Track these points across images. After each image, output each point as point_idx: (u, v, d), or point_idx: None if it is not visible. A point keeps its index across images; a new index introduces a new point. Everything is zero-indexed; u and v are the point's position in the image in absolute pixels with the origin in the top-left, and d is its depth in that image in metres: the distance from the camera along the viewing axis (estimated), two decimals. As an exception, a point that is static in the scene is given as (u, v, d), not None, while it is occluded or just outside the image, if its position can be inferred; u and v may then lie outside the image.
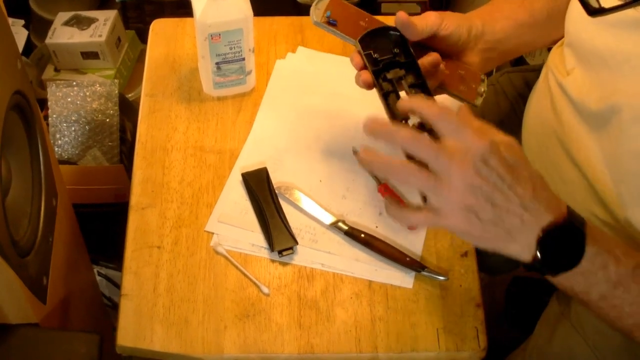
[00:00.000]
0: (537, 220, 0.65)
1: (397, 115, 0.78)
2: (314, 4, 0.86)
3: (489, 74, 1.18)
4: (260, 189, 0.93)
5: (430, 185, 0.65)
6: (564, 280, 0.68)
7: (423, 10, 1.82)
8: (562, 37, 0.93)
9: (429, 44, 0.86)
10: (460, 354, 0.83)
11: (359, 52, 0.83)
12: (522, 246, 0.66)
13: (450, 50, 0.87)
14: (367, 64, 0.82)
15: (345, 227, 0.90)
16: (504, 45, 0.91)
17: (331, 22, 0.86)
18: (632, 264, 0.68)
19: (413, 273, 0.88)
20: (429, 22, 0.84)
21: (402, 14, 0.81)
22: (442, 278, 0.87)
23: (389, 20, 0.86)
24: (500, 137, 0.65)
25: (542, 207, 0.65)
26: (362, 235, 0.89)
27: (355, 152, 0.97)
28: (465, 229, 0.66)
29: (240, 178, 0.95)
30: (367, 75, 0.82)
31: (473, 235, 0.66)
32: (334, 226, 0.91)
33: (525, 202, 0.64)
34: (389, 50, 0.83)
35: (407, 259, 0.87)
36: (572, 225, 0.66)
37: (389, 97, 0.80)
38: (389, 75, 0.82)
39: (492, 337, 0.85)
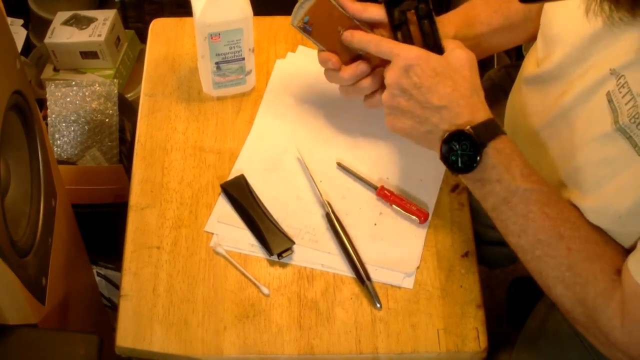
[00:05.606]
0: (445, 123, 0.77)
1: None
2: (298, 3, 0.86)
3: (488, 70, 1.19)
4: (243, 197, 0.92)
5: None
6: (467, 183, 0.80)
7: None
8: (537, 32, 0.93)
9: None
10: (461, 355, 0.83)
11: None
12: (436, 145, 0.79)
13: None
14: None
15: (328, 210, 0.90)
16: (475, 50, 0.91)
17: (306, 29, 0.87)
18: (525, 185, 0.75)
19: (413, 274, 0.87)
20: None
21: None
22: (378, 306, 0.85)
23: None
24: (433, 55, 0.79)
25: (454, 112, 0.77)
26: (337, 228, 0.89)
27: (339, 165, 0.96)
28: (397, 126, 0.82)
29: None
30: (331, 56, 0.88)
31: (406, 132, 0.82)
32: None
33: (437, 107, 0.77)
34: None
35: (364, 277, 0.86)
36: (477, 131, 0.76)
37: (401, 29, 0.84)
38: (404, 7, 0.83)
39: (493, 338, 0.85)
